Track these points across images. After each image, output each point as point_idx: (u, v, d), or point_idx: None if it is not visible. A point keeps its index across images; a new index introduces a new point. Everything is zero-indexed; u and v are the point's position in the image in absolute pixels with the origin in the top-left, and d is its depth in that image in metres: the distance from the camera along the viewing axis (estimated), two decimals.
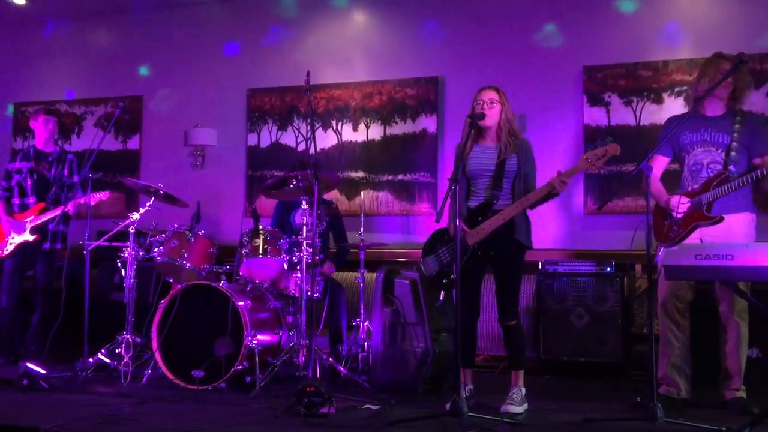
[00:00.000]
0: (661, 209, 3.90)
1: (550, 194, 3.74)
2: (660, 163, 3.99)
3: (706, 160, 3.82)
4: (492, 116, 3.85)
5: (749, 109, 3.98)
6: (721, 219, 3.66)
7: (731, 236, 3.68)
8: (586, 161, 3.68)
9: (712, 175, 3.76)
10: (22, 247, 5.17)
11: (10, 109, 7.14)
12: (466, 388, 3.90)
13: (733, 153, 3.73)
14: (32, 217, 5.17)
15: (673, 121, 3.97)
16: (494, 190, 3.82)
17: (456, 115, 5.80)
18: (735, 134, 3.75)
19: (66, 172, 5.34)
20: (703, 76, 3.89)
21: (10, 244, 5.17)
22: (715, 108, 3.86)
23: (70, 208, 5.05)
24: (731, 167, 3.71)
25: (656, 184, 3.95)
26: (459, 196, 3.63)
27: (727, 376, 3.80)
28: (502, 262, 3.87)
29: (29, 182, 5.30)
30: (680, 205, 3.75)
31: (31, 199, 5.28)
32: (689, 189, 3.84)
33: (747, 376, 3.80)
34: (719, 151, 3.78)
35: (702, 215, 3.70)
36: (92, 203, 4.97)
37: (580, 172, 3.80)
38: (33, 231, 5.15)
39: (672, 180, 4.07)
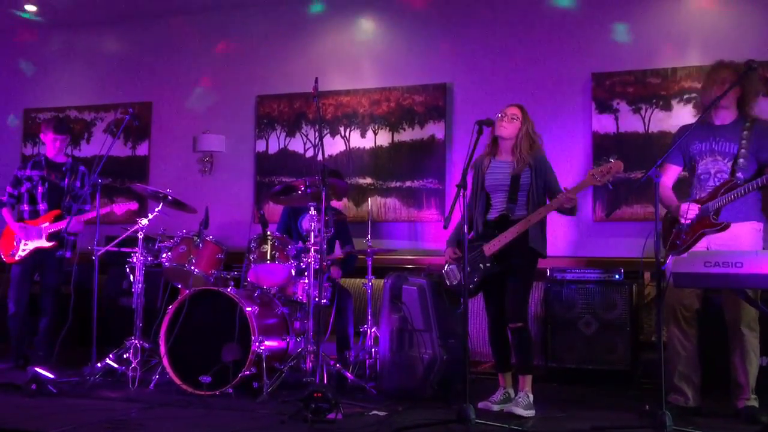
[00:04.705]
0: (670, 218, 3.89)
1: (566, 210, 3.89)
2: (672, 172, 4.00)
3: (713, 170, 3.82)
4: (510, 131, 4.00)
5: (758, 115, 3.95)
6: (727, 226, 3.65)
7: (738, 244, 3.67)
8: (592, 177, 3.79)
9: (719, 183, 3.76)
10: (35, 253, 5.19)
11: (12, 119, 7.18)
12: (504, 391, 3.99)
13: (741, 160, 3.72)
14: (47, 224, 5.20)
15: (684, 129, 3.97)
16: (509, 203, 3.97)
17: (464, 121, 5.80)
18: (743, 141, 3.74)
19: (78, 183, 5.36)
20: (706, 85, 3.91)
21: (23, 250, 5.19)
22: (723, 116, 3.85)
23: (93, 215, 5.04)
24: (738, 174, 3.70)
25: (667, 193, 3.94)
26: (466, 204, 3.68)
27: (737, 385, 3.79)
28: (515, 267, 3.93)
29: (40, 190, 5.32)
30: (689, 211, 3.74)
31: (42, 206, 5.29)
32: (697, 197, 3.83)
33: (759, 385, 3.78)
34: (726, 161, 3.78)
35: (708, 222, 3.70)
36: (119, 213, 5.00)
37: (587, 187, 3.87)
38: (50, 238, 5.17)
39: (683, 189, 4.05)
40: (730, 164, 3.77)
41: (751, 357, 3.74)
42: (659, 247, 3.38)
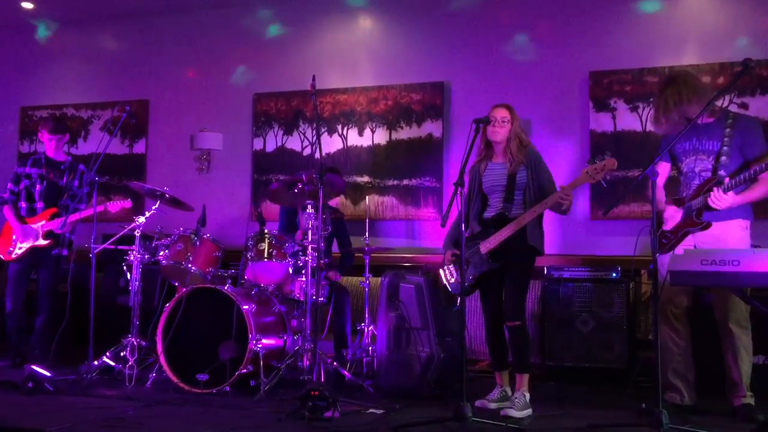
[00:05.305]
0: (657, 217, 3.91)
1: (559, 209, 3.91)
2: (662, 170, 4.02)
3: (697, 168, 3.83)
4: (502, 134, 4.02)
5: (757, 114, 3.96)
6: (709, 225, 3.67)
7: (725, 242, 3.68)
8: (586, 174, 3.82)
9: (703, 181, 3.77)
10: (31, 251, 5.18)
11: None
12: (501, 389, 4.01)
13: (723, 158, 3.73)
14: (43, 222, 5.18)
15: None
16: (506, 202, 3.99)
17: (461, 120, 5.81)
18: (725, 138, 3.74)
19: (76, 182, 5.35)
20: (679, 99, 3.81)
21: (19, 248, 5.18)
22: (704, 115, 3.83)
23: (89, 213, 5.04)
24: (721, 172, 3.71)
25: (657, 192, 3.95)
26: (464, 202, 3.69)
27: (732, 383, 3.79)
28: (513, 264, 3.94)
29: (38, 188, 5.31)
30: (670, 219, 3.83)
31: (39, 204, 5.28)
32: (683, 196, 3.85)
33: (755, 383, 3.78)
34: (710, 158, 3.79)
35: (692, 221, 3.71)
36: (113, 211, 4.99)
37: (582, 185, 3.88)
38: (46, 236, 5.17)
39: (674, 186, 4.06)
40: (713, 161, 3.78)
41: (743, 354, 3.74)
42: (656, 245, 3.39)
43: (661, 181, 4.00)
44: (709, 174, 3.77)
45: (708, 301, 3.93)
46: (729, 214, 3.71)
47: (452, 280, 4.10)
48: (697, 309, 3.97)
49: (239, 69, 6.54)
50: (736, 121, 3.80)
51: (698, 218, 3.69)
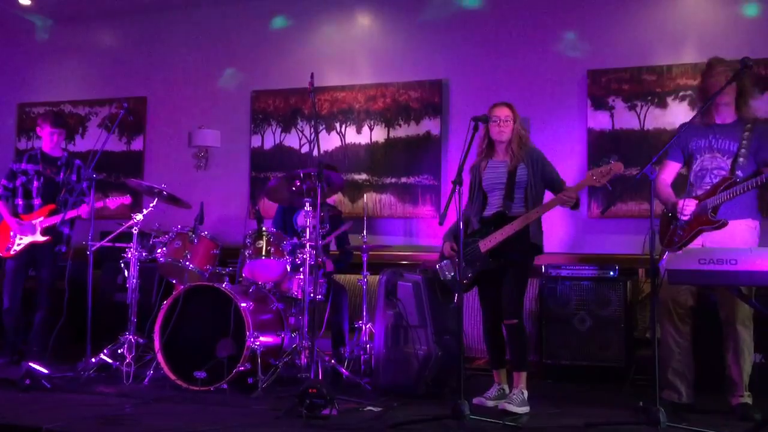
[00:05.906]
0: (667, 214, 3.90)
1: (565, 204, 3.91)
2: (671, 169, 4.01)
3: (711, 166, 3.82)
4: (507, 133, 4.03)
5: (755, 114, 3.95)
6: (725, 223, 3.66)
7: (733, 242, 3.67)
8: (591, 178, 3.80)
9: (716, 180, 3.76)
10: (30, 247, 5.17)
11: None
12: (498, 387, 4.04)
13: (741, 159, 3.72)
14: (41, 219, 5.17)
15: (684, 126, 3.97)
16: (507, 200, 3.98)
17: (460, 117, 5.80)
18: (744, 141, 3.74)
19: (74, 177, 5.34)
20: (703, 83, 3.89)
21: (18, 244, 5.17)
22: (724, 115, 3.85)
23: (85, 210, 5.03)
24: (738, 172, 3.70)
25: (666, 189, 3.95)
26: (462, 200, 3.68)
27: (730, 382, 3.80)
28: (512, 263, 3.94)
29: (35, 184, 5.29)
30: (686, 207, 3.75)
31: (37, 201, 5.27)
32: (695, 194, 3.83)
33: (752, 382, 3.79)
34: (725, 158, 3.78)
35: (707, 219, 3.70)
36: (112, 207, 4.99)
37: (585, 187, 3.89)
38: (44, 232, 5.16)
39: (683, 185, 4.05)
40: (729, 161, 3.77)
41: (745, 354, 3.75)
42: (654, 244, 3.39)
43: (669, 179, 4.00)
44: (723, 173, 3.76)
45: (713, 301, 3.92)
46: (738, 213, 3.71)
47: (449, 277, 4.10)
48: (700, 307, 3.95)
49: (237, 66, 6.52)
50: (756, 125, 3.80)
51: (713, 216, 3.69)
